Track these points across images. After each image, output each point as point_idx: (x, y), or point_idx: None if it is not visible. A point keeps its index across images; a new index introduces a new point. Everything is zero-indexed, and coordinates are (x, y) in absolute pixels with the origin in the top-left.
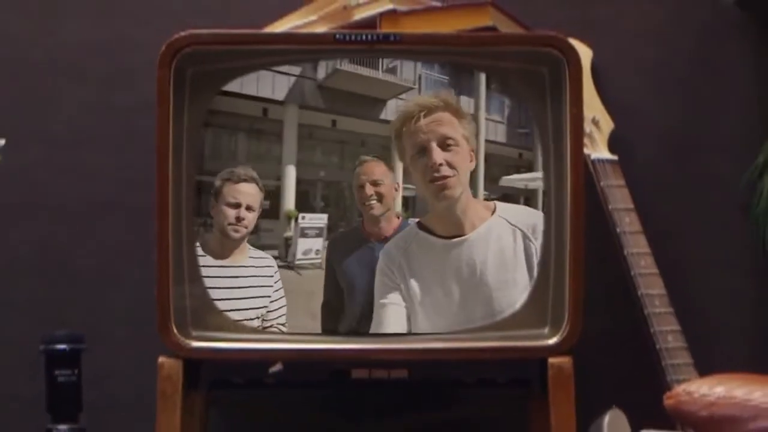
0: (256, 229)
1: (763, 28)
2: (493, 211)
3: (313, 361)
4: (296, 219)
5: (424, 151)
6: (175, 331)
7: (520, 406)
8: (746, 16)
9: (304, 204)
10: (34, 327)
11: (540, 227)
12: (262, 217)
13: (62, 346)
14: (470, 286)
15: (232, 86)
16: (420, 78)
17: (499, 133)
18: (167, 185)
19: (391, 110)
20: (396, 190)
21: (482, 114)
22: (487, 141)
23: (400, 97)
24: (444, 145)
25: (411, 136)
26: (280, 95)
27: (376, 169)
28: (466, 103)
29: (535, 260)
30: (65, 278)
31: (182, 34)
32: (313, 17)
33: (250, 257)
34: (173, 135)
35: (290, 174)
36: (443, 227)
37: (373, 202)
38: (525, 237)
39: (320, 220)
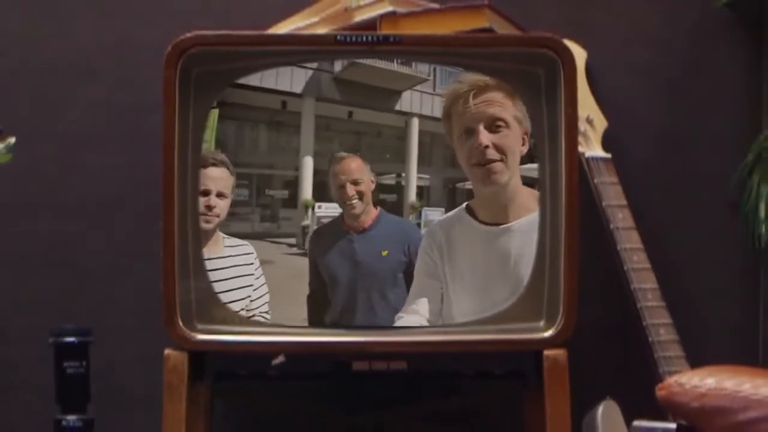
0: (274, 218)
1: (752, 30)
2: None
3: (315, 354)
4: (313, 208)
5: (471, 132)
6: (181, 324)
7: (516, 397)
8: (736, 18)
9: (321, 194)
10: (43, 320)
11: None
12: (283, 207)
13: (71, 339)
14: (501, 276)
15: (252, 80)
16: (435, 69)
17: None
18: (173, 182)
19: (405, 101)
20: (373, 182)
21: None
22: None
23: (416, 88)
24: (493, 126)
25: (459, 117)
26: (297, 88)
27: (353, 166)
28: None
29: None
30: (74, 273)
31: (188, 35)
32: (315, 19)
33: (226, 246)
34: (179, 133)
35: (308, 165)
36: (487, 213)
37: (355, 201)
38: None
39: (335, 209)
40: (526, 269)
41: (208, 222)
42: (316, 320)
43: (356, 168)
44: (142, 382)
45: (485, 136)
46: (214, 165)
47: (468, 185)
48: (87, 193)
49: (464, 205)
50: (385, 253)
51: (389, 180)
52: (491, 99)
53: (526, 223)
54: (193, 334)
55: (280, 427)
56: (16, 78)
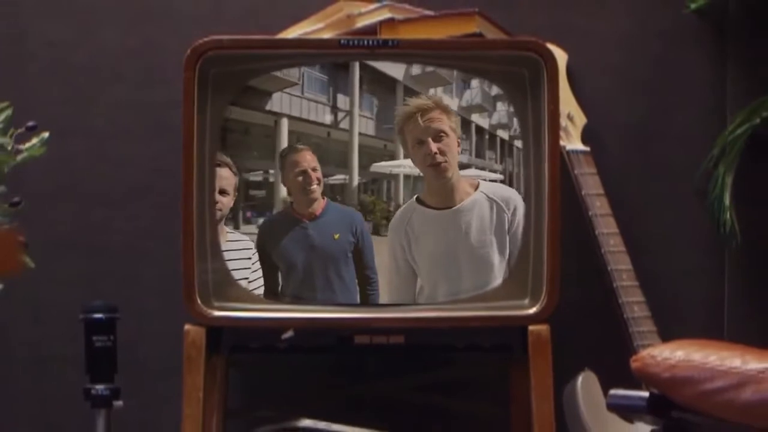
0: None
1: (718, 36)
2: (477, 188)
3: (321, 328)
4: None
5: (422, 143)
6: (199, 301)
7: (502, 368)
8: (703, 24)
9: None
10: (74, 298)
11: (512, 201)
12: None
13: (99, 316)
14: (458, 245)
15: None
16: (303, 75)
17: (370, 127)
18: (192, 172)
19: (276, 101)
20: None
21: (356, 110)
22: (360, 134)
23: (285, 90)
24: (437, 137)
25: (411, 132)
26: None
27: (309, 156)
28: (342, 100)
29: (506, 226)
30: (102, 255)
31: (205, 39)
32: (321, 25)
33: (228, 241)
34: (197, 128)
35: None
36: (437, 200)
37: (314, 186)
38: (499, 208)
39: None
40: (476, 236)
41: (211, 216)
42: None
43: (312, 158)
44: (164, 354)
45: (433, 146)
46: (218, 165)
47: (333, 180)
48: (113, 183)
49: (414, 198)
50: (337, 236)
51: (257, 177)
52: (433, 117)
53: (469, 203)
54: (210, 311)
55: (289, 395)
56: (50, 79)
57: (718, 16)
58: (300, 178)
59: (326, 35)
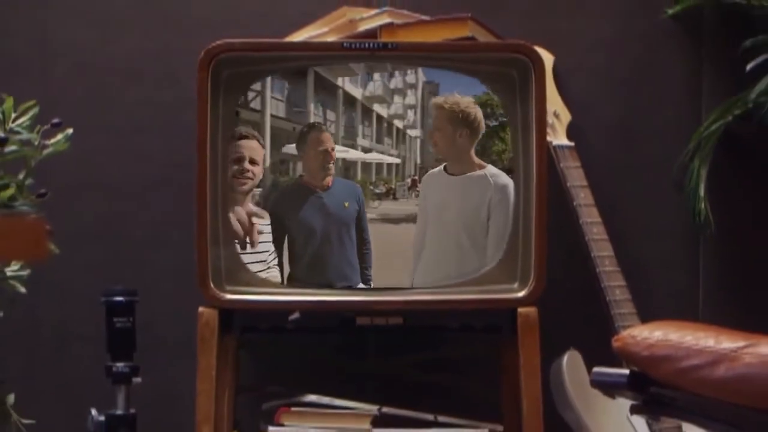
0: None
1: (693, 38)
2: (483, 168)
3: (325, 311)
4: None
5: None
6: (212, 286)
7: (493, 347)
8: (680, 27)
9: None
10: (97, 283)
11: (508, 188)
12: None
13: (119, 299)
14: (455, 202)
15: None
16: None
17: (280, 109)
18: (206, 167)
19: None
20: None
21: (268, 92)
22: (271, 116)
23: None
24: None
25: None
26: None
27: (329, 136)
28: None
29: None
30: (122, 243)
31: (218, 42)
32: (325, 29)
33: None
34: (210, 125)
35: None
36: (452, 169)
37: (332, 164)
38: (496, 188)
39: None
40: (475, 202)
41: (243, 185)
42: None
43: (330, 138)
44: (180, 334)
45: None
46: (246, 138)
47: None
48: (132, 176)
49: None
50: (347, 204)
51: None
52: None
53: (475, 176)
54: (222, 294)
55: (296, 372)
56: (74, 79)
57: (694, 21)
58: (322, 156)
59: (330, 38)
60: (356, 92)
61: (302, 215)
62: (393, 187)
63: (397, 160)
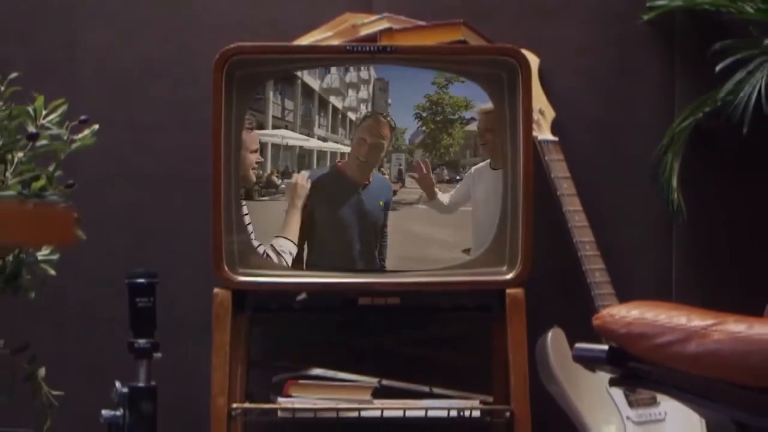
0: None
1: (666, 42)
2: None
3: (330, 291)
4: None
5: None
6: (226, 269)
7: (484, 325)
8: (655, 32)
9: None
10: (120, 266)
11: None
12: None
13: (141, 280)
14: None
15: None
16: None
17: None
18: (220, 159)
19: None
20: None
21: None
22: None
23: None
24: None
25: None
26: None
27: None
28: None
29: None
30: (144, 229)
31: (231, 46)
32: (329, 33)
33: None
34: (224, 122)
35: None
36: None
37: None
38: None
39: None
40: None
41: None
42: (314, 261)
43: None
44: (196, 313)
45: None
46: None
47: None
48: (153, 168)
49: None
50: (381, 203)
51: None
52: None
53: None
54: (235, 276)
55: (303, 348)
56: (99, 79)
57: (667, 26)
58: (375, 147)
59: (334, 42)
60: (314, 84)
61: (340, 211)
62: None
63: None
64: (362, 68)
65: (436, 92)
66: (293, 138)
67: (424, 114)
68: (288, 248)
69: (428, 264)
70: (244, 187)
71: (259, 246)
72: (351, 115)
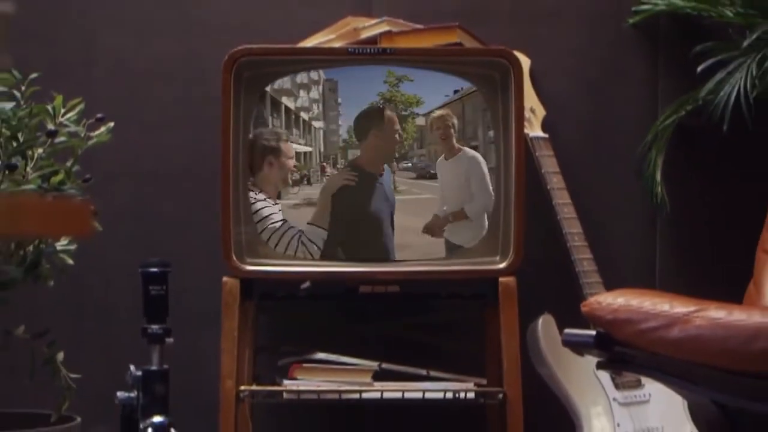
0: None
1: (651, 44)
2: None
3: (332, 280)
4: None
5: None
6: (234, 258)
7: (478, 312)
8: (640, 35)
9: None
10: (134, 256)
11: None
12: None
13: (154, 269)
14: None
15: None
16: None
17: None
18: (228, 155)
19: None
20: None
21: None
22: None
23: None
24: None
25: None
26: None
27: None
28: None
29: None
30: (156, 221)
31: (239, 48)
32: (332, 36)
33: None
34: (233, 120)
35: None
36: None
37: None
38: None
39: None
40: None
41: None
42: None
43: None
44: (206, 301)
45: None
46: (291, 141)
47: None
48: (165, 163)
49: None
50: (395, 189)
51: None
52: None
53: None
54: (243, 266)
55: (307, 334)
56: (114, 79)
57: (651, 30)
58: (389, 139)
59: (337, 44)
60: (266, 86)
61: (371, 202)
62: (307, 173)
63: (309, 149)
64: (312, 70)
65: (389, 90)
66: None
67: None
68: (320, 235)
69: (411, 252)
70: (281, 189)
71: (287, 231)
72: (304, 115)
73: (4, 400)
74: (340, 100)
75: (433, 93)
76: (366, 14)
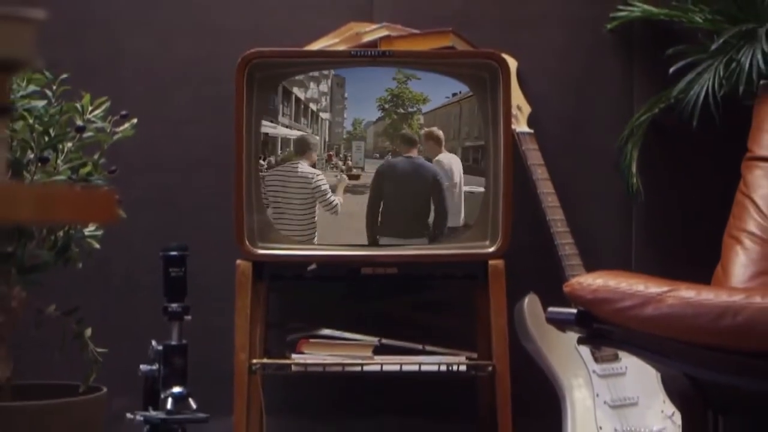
0: None
1: (626, 47)
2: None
3: (336, 262)
4: None
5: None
6: (247, 243)
7: (469, 292)
8: (616, 39)
9: None
10: (156, 240)
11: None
12: None
13: (174, 253)
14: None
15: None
16: None
17: None
18: (242, 148)
19: None
20: None
21: None
22: None
23: None
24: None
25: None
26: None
27: None
28: None
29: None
30: (176, 209)
31: (252, 51)
32: (336, 40)
33: None
34: (245, 116)
35: None
36: None
37: None
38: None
39: None
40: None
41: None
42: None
43: None
44: (222, 281)
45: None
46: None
47: None
48: (184, 156)
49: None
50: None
51: None
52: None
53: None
54: (255, 250)
55: (313, 312)
56: (138, 79)
57: (627, 34)
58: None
59: (340, 48)
60: None
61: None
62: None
63: (316, 137)
64: (318, 71)
65: (397, 86)
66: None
67: (387, 106)
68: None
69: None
70: None
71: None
72: (312, 106)
73: (38, 372)
74: (346, 95)
75: (435, 93)
76: (367, 20)
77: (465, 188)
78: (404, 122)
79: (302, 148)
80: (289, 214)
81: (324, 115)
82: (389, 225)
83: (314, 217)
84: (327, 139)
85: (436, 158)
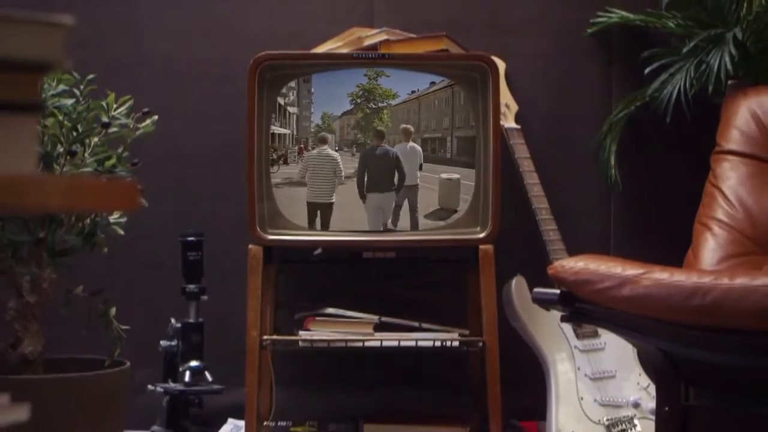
0: None
1: (606, 50)
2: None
3: (339, 247)
4: None
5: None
6: (258, 229)
7: (462, 274)
8: (596, 42)
9: None
10: (175, 227)
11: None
12: None
13: (192, 238)
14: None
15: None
16: None
17: None
18: (253, 142)
19: None
20: None
21: None
22: None
23: None
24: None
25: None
26: None
27: None
28: None
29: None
30: (193, 198)
31: (263, 53)
32: (340, 43)
33: None
34: (257, 113)
35: None
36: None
37: None
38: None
39: None
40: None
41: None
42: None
43: None
44: (235, 265)
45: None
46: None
47: None
48: (201, 150)
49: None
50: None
51: None
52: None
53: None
54: (266, 235)
55: (319, 292)
56: (159, 79)
57: (606, 38)
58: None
59: (343, 50)
60: None
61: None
62: (284, 153)
63: (287, 131)
64: (322, 71)
65: (368, 82)
66: None
67: (359, 101)
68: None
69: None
70: None
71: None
72: (280, 100)
73: (67, 347)
74: (313, 90)
75: (403, 88)
76: (368, 25)
77: (443, 176)
78: (376, 116)
79: (323, 139)
80: (320, 180)
81: (292, 110)
82: (372, 185)
83: (335, 182)
84: (295, 134)
85: (410, 145)
